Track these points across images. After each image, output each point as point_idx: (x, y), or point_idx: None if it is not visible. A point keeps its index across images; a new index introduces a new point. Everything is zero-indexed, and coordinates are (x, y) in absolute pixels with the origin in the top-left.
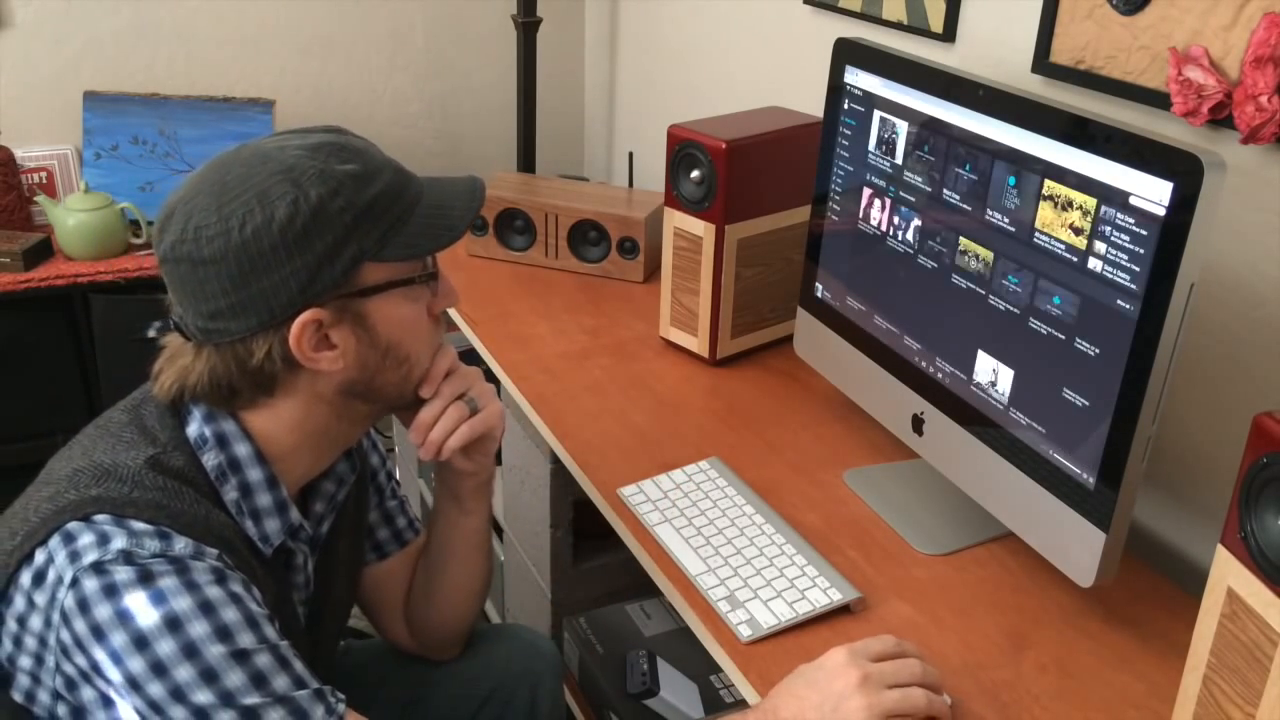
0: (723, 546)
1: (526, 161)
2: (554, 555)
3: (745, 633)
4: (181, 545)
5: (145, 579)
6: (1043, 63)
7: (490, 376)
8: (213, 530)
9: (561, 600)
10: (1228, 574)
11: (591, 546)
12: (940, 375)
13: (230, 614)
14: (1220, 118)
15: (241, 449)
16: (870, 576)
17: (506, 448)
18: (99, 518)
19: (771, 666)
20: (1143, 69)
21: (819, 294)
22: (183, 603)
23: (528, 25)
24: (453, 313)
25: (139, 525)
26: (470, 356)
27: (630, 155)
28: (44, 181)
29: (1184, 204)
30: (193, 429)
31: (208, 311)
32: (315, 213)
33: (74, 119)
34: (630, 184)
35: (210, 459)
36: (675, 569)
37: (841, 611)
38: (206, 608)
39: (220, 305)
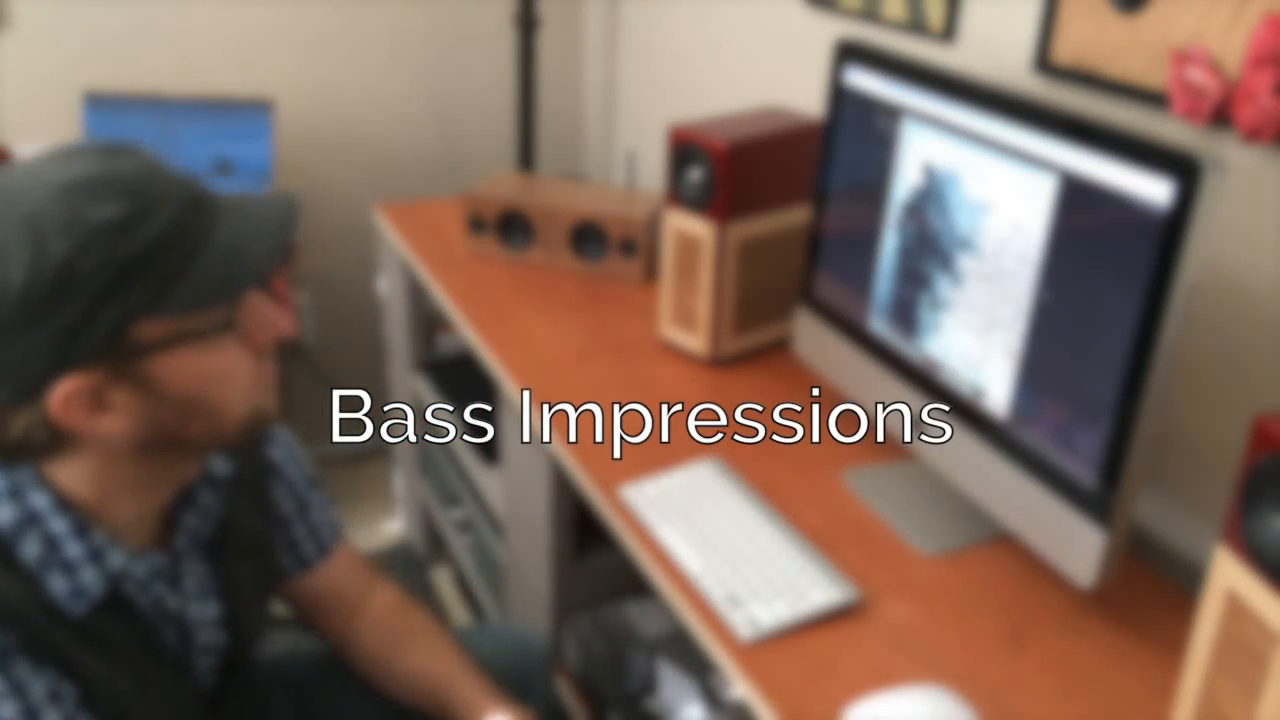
0: (723, 546)
1: (526, 161)
2: (554, 555)
3: (745, 633)
4: None
5: None
6: (1043, 62)
7: (490, 376)
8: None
9: (561, 600)
10: (1228, 574)
11: (591, 546)
12: (940, 375)
13: (6, 710)
14: (1220, 118)
15: (39, 499)
16: (870, 576)
17: (507, 448)
18: None
19: (771, 666)
20: (1143, 69)
21: (819, 294)
22: None
23: (528, 25)
24: (453, 313)
25: None
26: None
27: (630, 155)
28: None
29: (1184, 204)
30: None
31: None
32: (60, 274)
33: (74, 119)
34: (630, 184)
35: (3, 514)
36: (675, 569)
37: (841, 611)
38: None
39: None
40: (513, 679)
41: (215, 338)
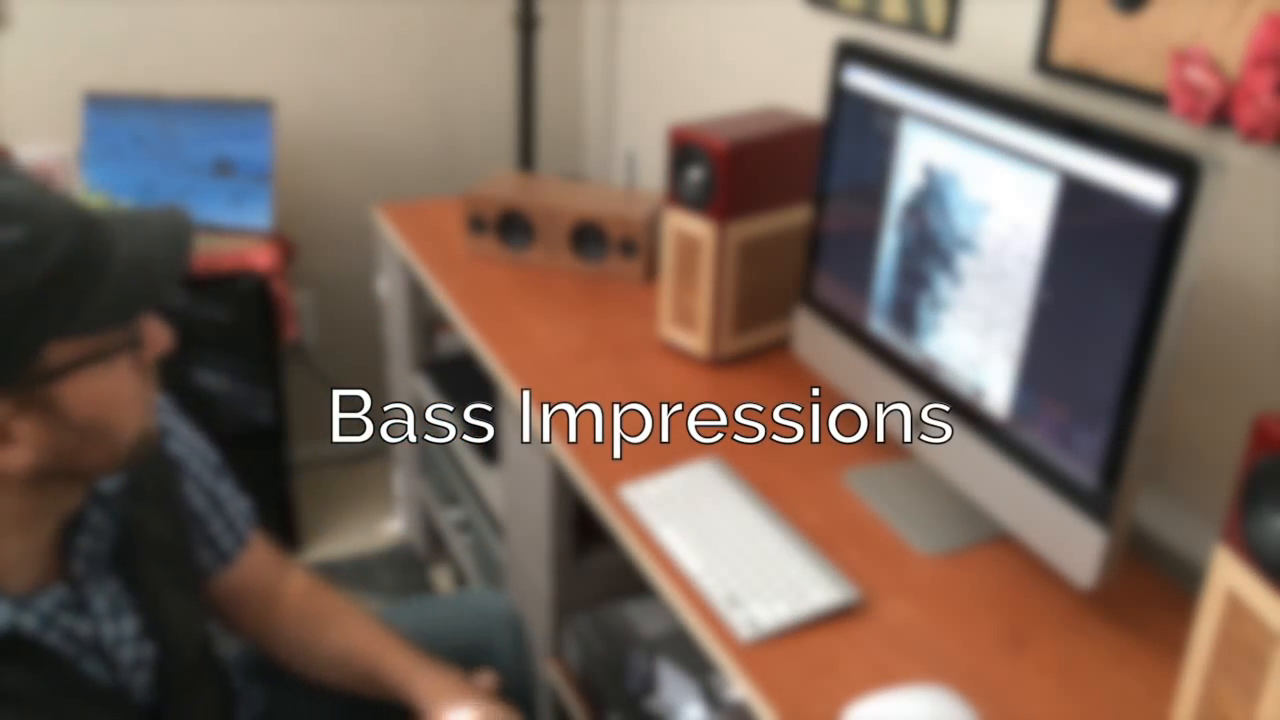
0: (722, 546)
1: (526, 161)
2: (554, 555)
3: (745, 633)
4: None
5: None
6: (1043, 63)
7: (490, 376)
8: None
9: (561, 600)
10: (1228, 574)
11: (591, 546)
12: (940, 375)
13: None
14: (1220, 118)
15: None
16: (870, 576)
17: (507, 448)
18: None
19: (771, 666)
20: (1143, 69)
21: (819, 294)
22: None
23: (528, 25)
24: (453, 313)
25: None
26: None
27: (630, 155)
28: (45, 181)
29: (1184, 204)
30: None
31: None
32: None
33: (74, 119)
34: (630, 184)
35: None
36: (675, 569)
37: (841, 611)
38: None
39: None
40: (475, 646)
41: (116, 358)
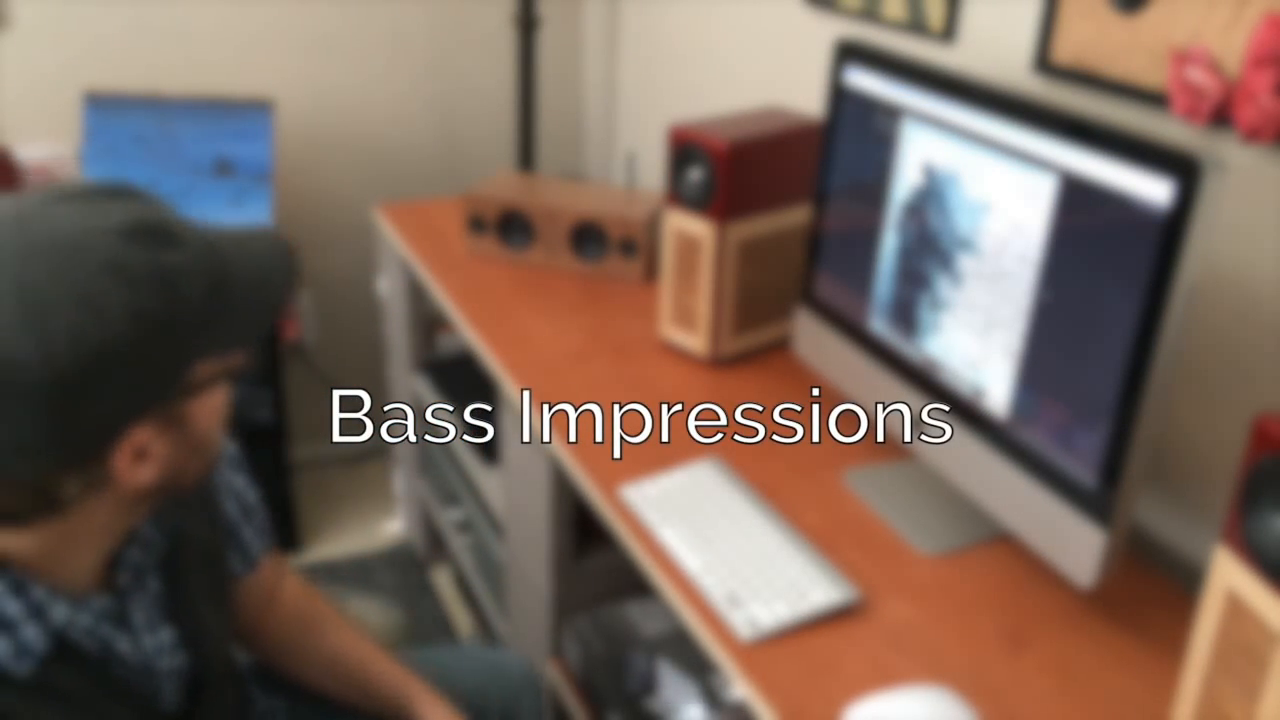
0: (722, 546)
1: (526, 161)
2: (554, 555)
3: (745, 633)
4: None
5: None
6: (1043, 62)
7: (490, 376)
8: None
9: (561, 600)
10: (1228, 574)
11: (591, 546)
12: (940, 375)
13: None
14: (1220, 118)
15: None
16: (870, 576)
17: (507, 448)
18: None
19: (771, 666)
20: (1143, 69)
21: (819, 294)
22: None
23: (528, 25)
24: (453, 313)
25: None
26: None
27: (630, 155)
28: (44, 181)
29: (1184, 204)
30: None
31: (6, 447)
32: (156, 321)
33: (74, 119)
34: (630, 184)
35: None
36: (675, 569)
37: (841, 611)
38: None
39: (28, 440)
40: (492, 705)
41: (236, 374)
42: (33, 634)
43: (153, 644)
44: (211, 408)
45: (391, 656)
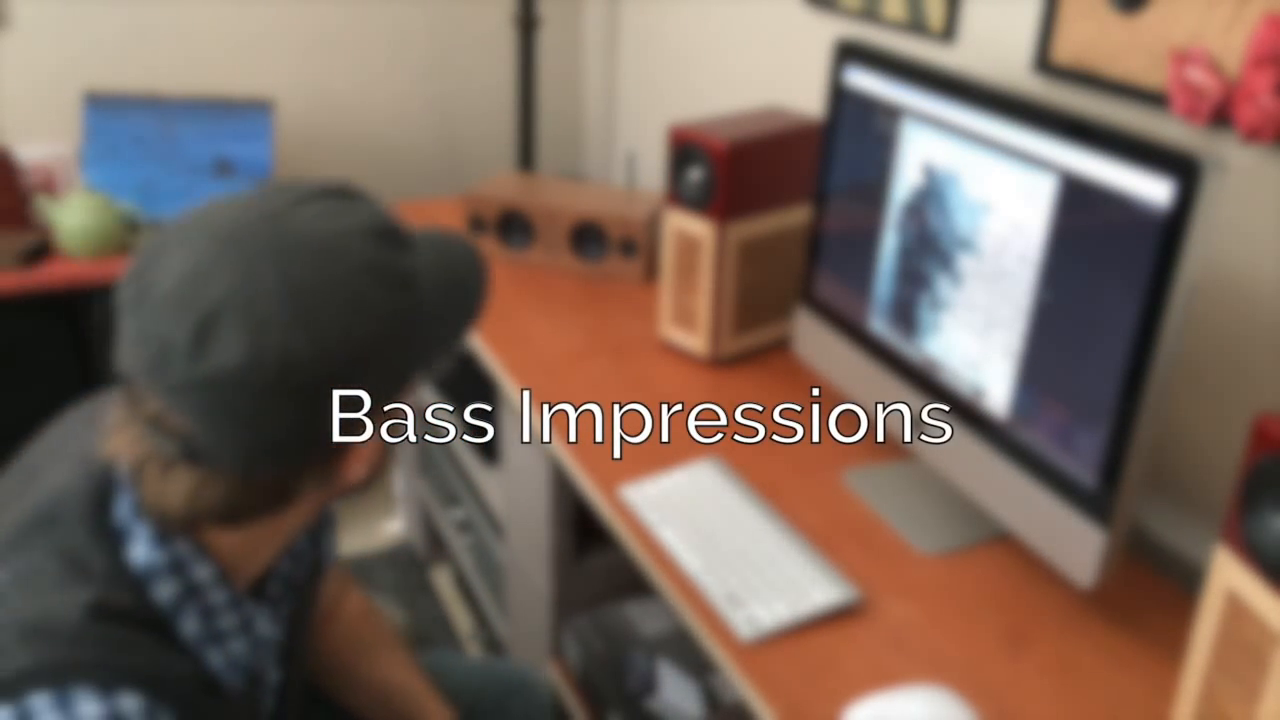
0: (723, 546)
1: (526, 161)
2: (554, 555)
3: (745, 633)
4: (131, 706)
5: None
6: (1043, 62)
7: (490, 376)
8: (167, 685)
9: (561, 600)
10: (1228, 574)
11: (591, 546)
12: (940, 375)
13: None
14: (1220, 118)
15: (203, 572)
16: (870, 576)
17: (507, 448)
18: (35, 700)
19: (771, 666)
20: (1143, 69)
21: (819, 294)
22: None
23: (528, 25)
24: None
25: (81, 694)
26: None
27: (630, 155)
28: (44, 181)
29: (1184, 204)
30: (139, 554)
31: (264, 445)
32: (406, 321)
33: (74, 119)
34: (630, 184)
35: (164, 590)
36: (675, 569)
37: (841, 611)
38: None
39: (286, 438)
40: (507, 715)
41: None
42: (240, 648)
43: (265, 657)
44: (408, 398)
45: (442, 699)
